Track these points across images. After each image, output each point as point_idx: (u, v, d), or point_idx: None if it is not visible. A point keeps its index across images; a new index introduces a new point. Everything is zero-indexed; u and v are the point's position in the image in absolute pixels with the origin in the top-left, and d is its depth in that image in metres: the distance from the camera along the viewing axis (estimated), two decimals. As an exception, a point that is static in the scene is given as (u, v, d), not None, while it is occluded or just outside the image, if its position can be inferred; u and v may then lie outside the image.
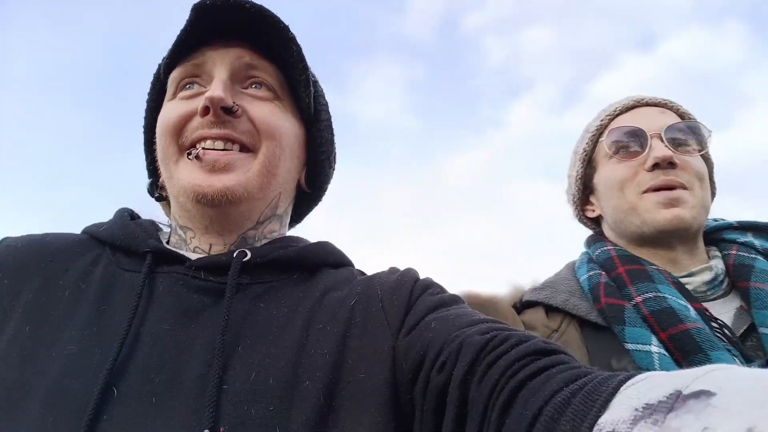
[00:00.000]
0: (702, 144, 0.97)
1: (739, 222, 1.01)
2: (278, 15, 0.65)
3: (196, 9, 0.63)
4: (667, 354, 0.77)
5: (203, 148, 0.62)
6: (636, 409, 0.31)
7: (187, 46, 0.67)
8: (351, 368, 0.55)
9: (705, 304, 0.87)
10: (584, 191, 1.08)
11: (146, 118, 0.75)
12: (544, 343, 0.47)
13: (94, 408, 0.48)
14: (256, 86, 0.67)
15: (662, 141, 0.93)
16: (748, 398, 0.26)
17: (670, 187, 0.91)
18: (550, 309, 0.96)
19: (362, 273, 0.71)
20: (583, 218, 1.11)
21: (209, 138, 0.63)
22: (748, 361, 0.75)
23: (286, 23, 0.66)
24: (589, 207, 1.08)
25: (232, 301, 0.57)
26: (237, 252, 0.62)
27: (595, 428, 0.33)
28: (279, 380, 0.52)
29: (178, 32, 0.66)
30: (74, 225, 0.71)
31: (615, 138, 0.98)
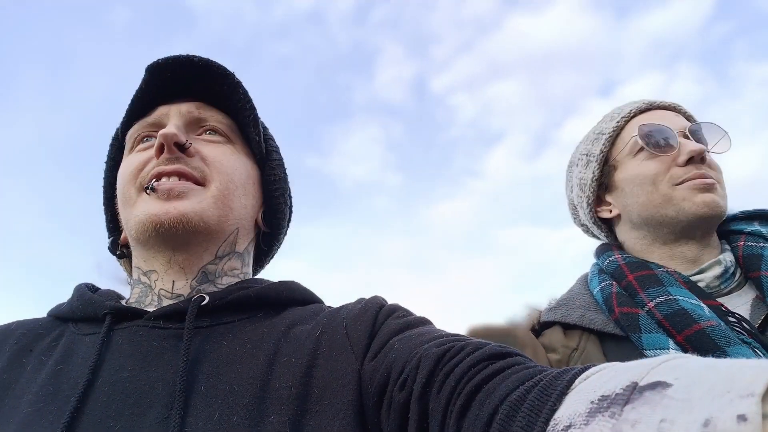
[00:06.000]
0: (723, 144, 0.97)
1: (743, 212, 1.00)
2: (225, 65, 0.70)
3: (150, 69, 0.69)
4: None
5: (157, 181, 0.65)
6: (592, 402, 0.31)
7: (143, 105, 0.71)
8: (317, 398, 0.54)
9: (720, 299, 0.86)
10: (599, 192, 1.07)
11: (106, 177, 0.79)
12: (500, 347, 0.47)
13: None
14: (209, 133, 0.72)
15: (689, 138, 0.95)
16: (705, 389, 0.26)
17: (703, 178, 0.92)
18: (567, 327, 0.96)
19: (331, 308, 0.70)
20: (597, 220, 1.10)
21: (164, 174, 0.65)
22: (770, 351, 0.74)
23: (232, 70, 0.71)
24: (604, 207, 1.07)
25: (191, 340, 0.57)
26: (195, 297, 0.62)
27: (551, 423, 0.32)
28: (243, 417, 0.51)
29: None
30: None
31: (645, 133, 0.98)
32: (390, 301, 0.67)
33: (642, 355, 0.81)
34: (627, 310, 0.86)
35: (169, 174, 0.65)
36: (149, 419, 0.51)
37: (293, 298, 0.69)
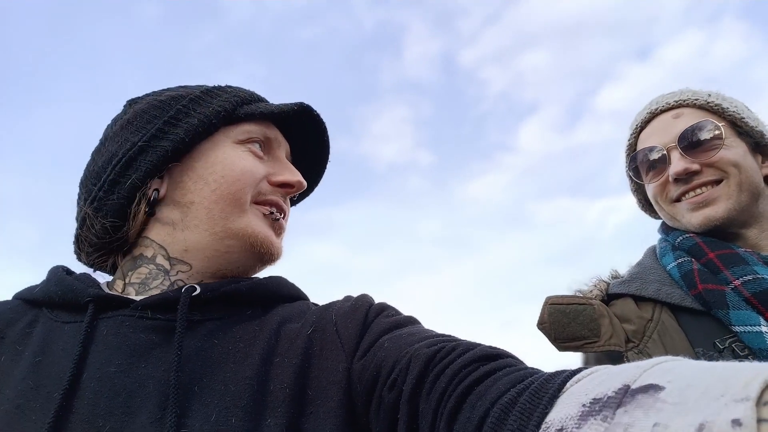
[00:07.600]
0: (715, 141, 0.97)
1: None
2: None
3: (300, 107, 0.75)
4: None
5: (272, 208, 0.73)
6: (583, 405, 0.31)
7: (261, 114, 0.74)
8: (311, 400, 0.54)
9: (797, 280, 0.90)
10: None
11: (190, 134, 0.68)
12: (491, 348, 0.47)
13: None
14: None
15: (678, 151, 0.98)
16: (699, 392, 0.26)
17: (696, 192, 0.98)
18: (638, 299, 1.00)
19: (317, 305, 0.72)
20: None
21: (282, 209, 0.74)
22: None
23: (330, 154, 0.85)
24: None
25: (183, 335, 0.55)
26: (186, 287, 0.61)
27: (543, 426, 0.33)
28: (241, 419, 0.50)
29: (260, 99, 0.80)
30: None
31: (638, 164, 1.07)
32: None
33: (725, 329, 0.85)
34: (712, 287, 0.89)
35: (283, 212, 0.75)
36: (141, 419, 0.49)
37: (281, 293, 0.70)
